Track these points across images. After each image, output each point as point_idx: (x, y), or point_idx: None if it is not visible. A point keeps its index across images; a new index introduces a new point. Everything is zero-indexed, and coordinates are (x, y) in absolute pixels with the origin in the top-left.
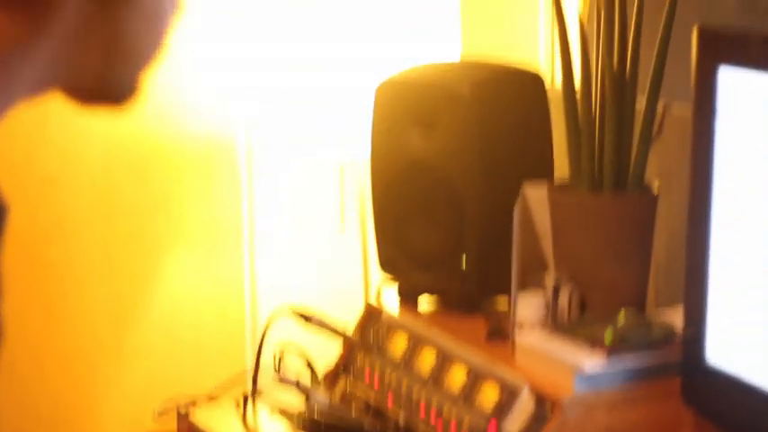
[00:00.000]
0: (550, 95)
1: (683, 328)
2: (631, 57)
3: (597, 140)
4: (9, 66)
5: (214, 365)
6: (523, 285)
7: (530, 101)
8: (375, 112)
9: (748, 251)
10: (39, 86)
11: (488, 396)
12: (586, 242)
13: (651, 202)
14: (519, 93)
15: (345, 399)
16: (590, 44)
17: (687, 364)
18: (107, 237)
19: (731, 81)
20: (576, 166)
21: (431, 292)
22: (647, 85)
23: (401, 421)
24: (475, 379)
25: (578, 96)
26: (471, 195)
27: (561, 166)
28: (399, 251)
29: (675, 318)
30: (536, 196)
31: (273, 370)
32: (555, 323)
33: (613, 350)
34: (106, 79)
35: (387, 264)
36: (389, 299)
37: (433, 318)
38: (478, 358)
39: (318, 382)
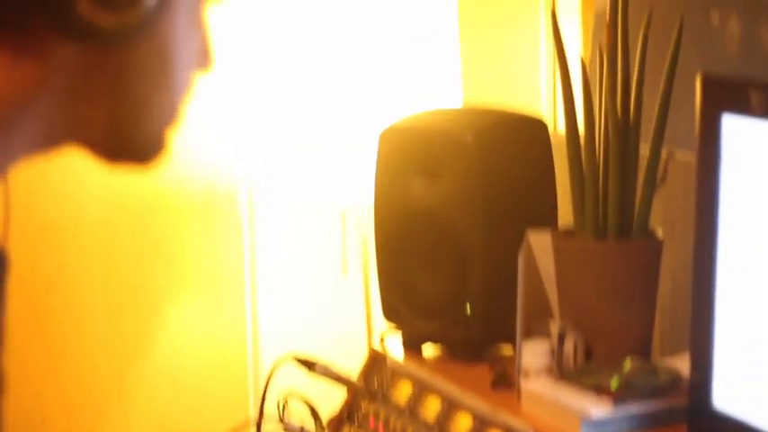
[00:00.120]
0: (553, 141)
1: (689, 373)
2: (635, 102)
3: (601, 187)
4: (6, 120)
5: (217, 413)
6: (528, 333)
7: (534, 148)
8: (378, 159)
9: (754, 295)
10: (45, 141)
11: None
12: (591, 289)
13: (656, 248)
14: (523, 139)
15: None
16: (593, 89)
17: (694, 408)
18: (108, 284)
19: (734, 128)
20: (580, 213)
21: (435, 340)
22: (651, 131)
23: None
24: (481, 427)
25: (582, 143)
26: (475, 243)
27: (565, 212)
28: (403, 300)
29: (681, 365)
30: (540, 243)
31: (278, 417)
32: (560, 370)
33: (620, 397)
34: (121, 134)
35: (390, 313)
36: (393, 346)
37: (437, 365)
38: (484, 406)
39: (323, 429)
